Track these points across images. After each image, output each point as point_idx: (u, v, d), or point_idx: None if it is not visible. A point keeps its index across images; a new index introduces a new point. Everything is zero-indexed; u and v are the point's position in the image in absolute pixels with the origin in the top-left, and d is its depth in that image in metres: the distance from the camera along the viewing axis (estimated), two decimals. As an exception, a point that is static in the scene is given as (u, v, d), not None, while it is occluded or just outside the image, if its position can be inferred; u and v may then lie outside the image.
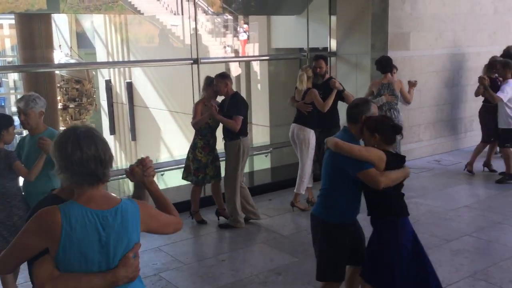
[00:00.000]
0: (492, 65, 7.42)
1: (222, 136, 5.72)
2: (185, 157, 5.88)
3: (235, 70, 13.86)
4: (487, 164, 7.70)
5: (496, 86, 7.16)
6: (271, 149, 9.62)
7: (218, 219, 5.89)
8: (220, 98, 5.88)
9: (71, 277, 1.91)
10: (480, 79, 7.16)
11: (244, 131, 5.61)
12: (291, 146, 6.48)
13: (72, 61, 15.54)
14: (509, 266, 4.64)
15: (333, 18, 8.54)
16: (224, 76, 5.57)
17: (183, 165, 5.91)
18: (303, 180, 6.21)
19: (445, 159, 8.48)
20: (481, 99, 7.59)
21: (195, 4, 8.20)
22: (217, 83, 5.54)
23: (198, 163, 5.68)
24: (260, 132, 11.95)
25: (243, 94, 13.19)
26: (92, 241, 1.90)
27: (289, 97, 6.42)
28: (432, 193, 6.83)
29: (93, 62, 16.55)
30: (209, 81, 5.65)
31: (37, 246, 1.91)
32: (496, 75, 7.48)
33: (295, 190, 6.31)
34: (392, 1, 7.85)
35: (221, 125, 5.70)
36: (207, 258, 5.00)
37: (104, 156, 1.97)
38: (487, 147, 7.68)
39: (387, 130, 3.25)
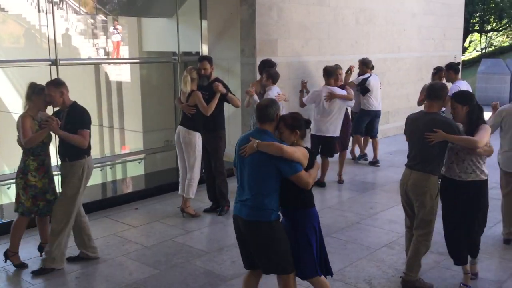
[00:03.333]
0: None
1: (59, 156, 4.75)
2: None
3: (105, 73, 13.25)
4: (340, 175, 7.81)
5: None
6: (144, 155, 9.35)
7: (41, 255, 4.90)
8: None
9: None
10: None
11: (89, 148, 4.74)
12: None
13: None
14: (364, 265, 4.84)
15: (204, 22, 8.49)
16: (59, 84, 4.62)
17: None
18: (191, 184, 6.06)
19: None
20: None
21: (52, 2, 7.65)
22: (50, 93, 4.55)
23: (34, 189, 4.65)
24: (132, 138, 11.55)
25: (114, 99, 12.71)
26: None
27: (176, 98, 6.20)
28: (298, 196, 6.99)
29: None
30: (36, 89, 4.64)
31: None
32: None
33: (184, 195, 6.11)
34: (259, 7, 7.96)
35: (55, 143, 4.81)
36: (58, 276, 4.60)
37: None
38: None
39: (303, 126, 3.52)
